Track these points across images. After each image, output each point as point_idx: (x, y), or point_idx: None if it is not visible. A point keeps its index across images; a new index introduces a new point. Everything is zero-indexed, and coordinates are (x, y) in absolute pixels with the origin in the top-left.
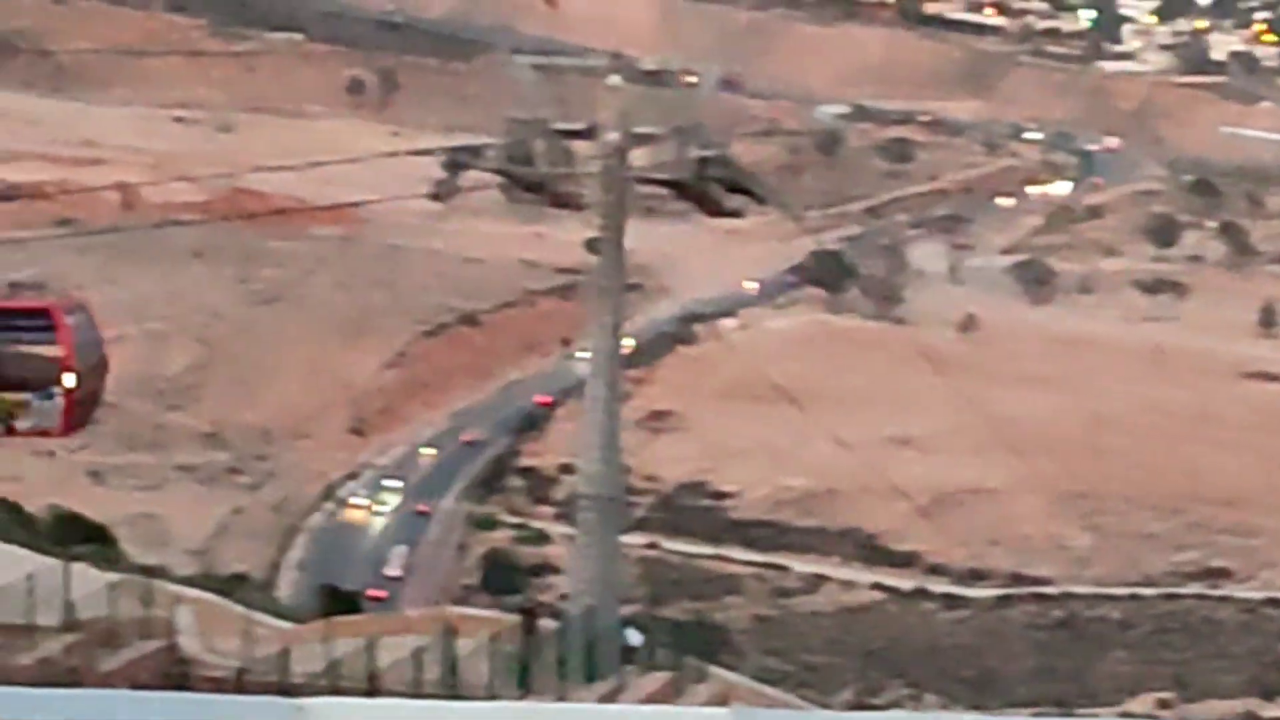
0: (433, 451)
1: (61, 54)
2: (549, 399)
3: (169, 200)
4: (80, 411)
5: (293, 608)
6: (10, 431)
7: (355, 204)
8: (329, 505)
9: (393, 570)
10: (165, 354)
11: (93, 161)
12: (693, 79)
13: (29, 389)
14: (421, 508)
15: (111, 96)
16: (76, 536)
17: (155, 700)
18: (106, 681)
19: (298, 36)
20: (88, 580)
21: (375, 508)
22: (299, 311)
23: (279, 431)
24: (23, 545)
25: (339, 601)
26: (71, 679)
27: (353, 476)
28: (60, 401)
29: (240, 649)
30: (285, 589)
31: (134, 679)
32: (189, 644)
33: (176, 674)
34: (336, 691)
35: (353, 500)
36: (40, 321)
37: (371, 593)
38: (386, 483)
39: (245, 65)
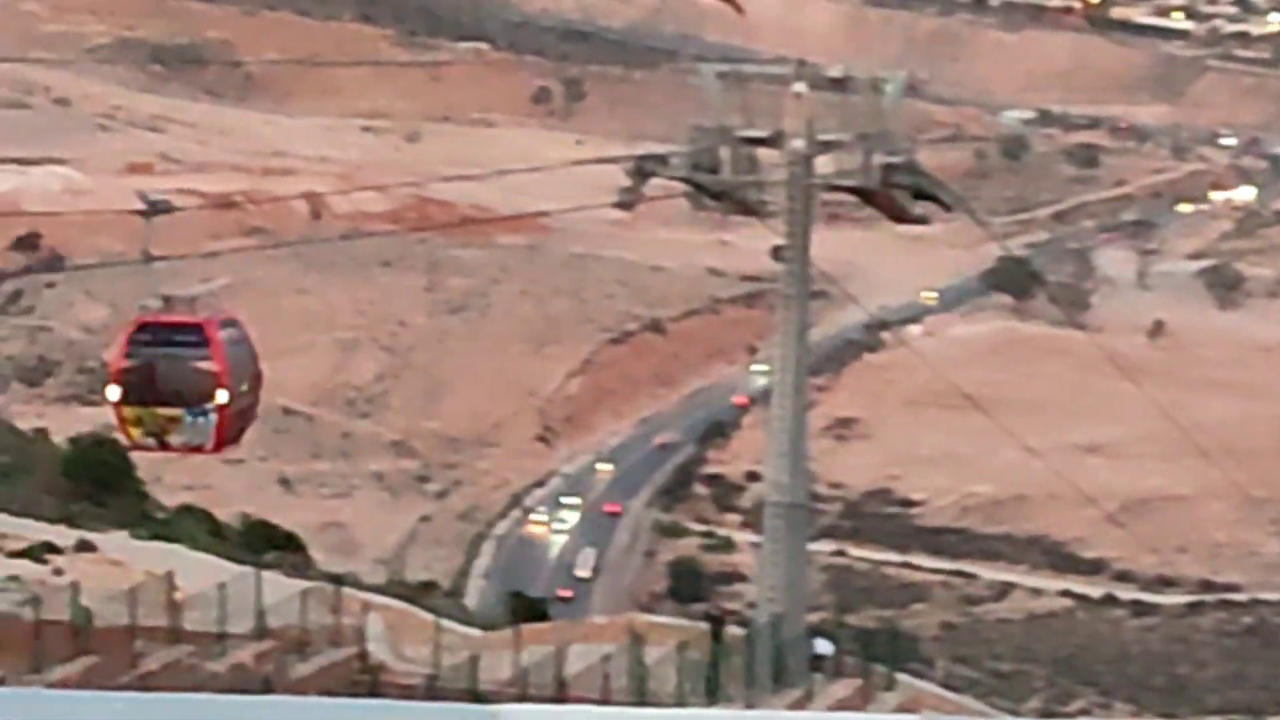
0: (609, 467)
1: (251, 65)
2: (745, 399)
3: (357, 210)
4: (233, 428)
5: (481, 615)
6: (164, 447)
7: (541, 213)
8: (516, 513)
9: (582, 571)
10: (354, 363)
11: (282, 171)
12: (878, 85)
13: (183, 405)
14: (612, 508)
15: (300, 107)
16: (267, 545)
17: (347, 707)
18: (297, 689)
19: (484, 46)
20: (278, 588)
21: (555, 525)
22: (485, 320)
23: (466, 440)
24: (215, 554)
25: (527, 608)
26: (263, 686)
27: (539, 484)
28: (213, 418)
29: (430, 656)
30: (473, 596)
31: (324, 686)
32: (379, 651)
33: (366, 681)
34: (525, 699)
35: (534, 516)
36: (194, 336)
37: (559, 592)
38: (566, 500)
39: (432, 75)
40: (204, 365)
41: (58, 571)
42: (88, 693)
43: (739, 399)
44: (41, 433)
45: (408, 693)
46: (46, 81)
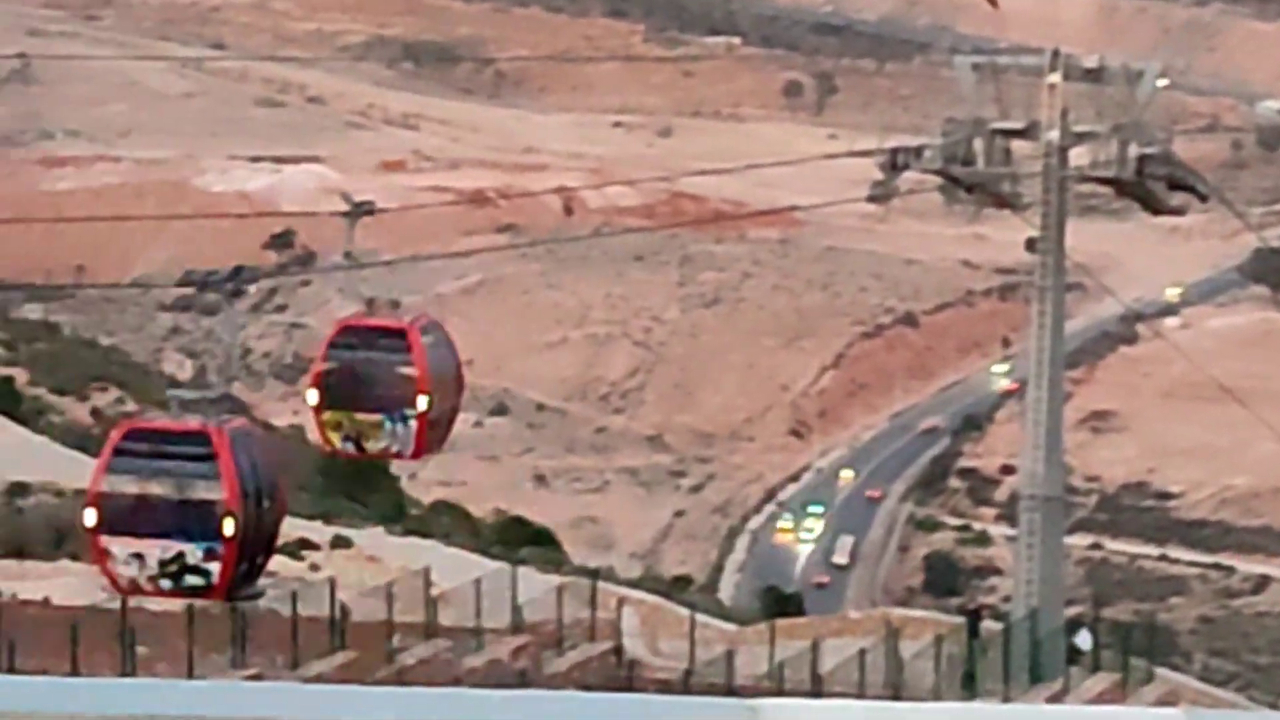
0: (850, 474)
1: (502, 61)
2: (1017, 385)
3: (610, 205)
4: (433, 434)
5: (735, 609)
6: (362, 453)
7: (793, 207)
8: (770, 507)
9: (839, 558)
10: (607, 358)
11: (534, 168)
12: (1133, 76)
13: (383, 410)
14: (873, 493)
15: (551, 103)
16: (522, 540)
17: (603, 702)
18: (553, 683)
19: (735, 40)
20: (533, 583)
21: (802, 534)
22: (738, 314)
23: (719, 434)
24: (470, 549)
25: (781, 603)
26: (519, 681)
27: (793, 479)
28: (414, 424)
29: (685, 651)
30: (727, 591)
31: (580, 681)
32: (634, 646)
33: (622, 676)
34: (780, 693)
35: (780, 524)
36: (396, 341)
37: (816, 579)
38: (812, 508)
39: (683, 70)
40: (405, 370)
41: (314, 567)
42: (345, 688)
43: (1011, 385)
44: (297, 430)
45: (664, 688)
46: (300, 80)
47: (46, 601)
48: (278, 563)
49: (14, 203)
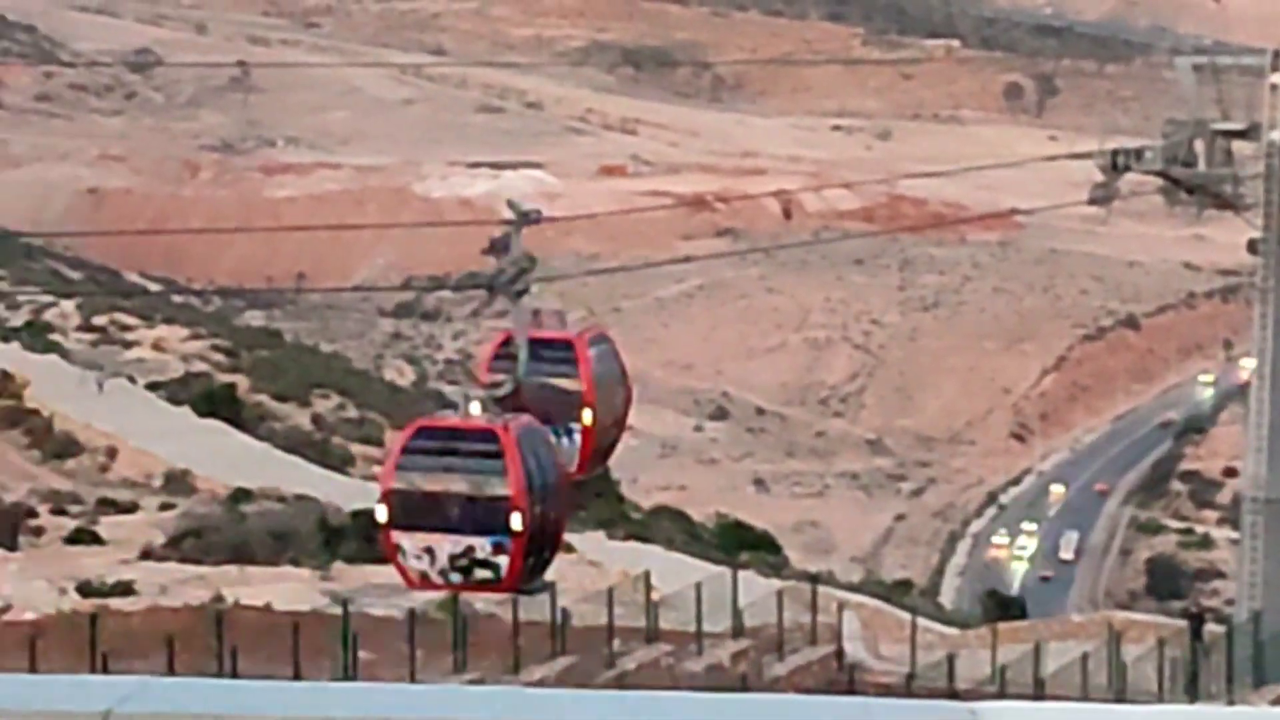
0: (1061, 489)
1: (720, 65)
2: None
3: (829, 208)
4: (598, 450)
5: (957, 613)
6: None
7: (1014, 211)
8: (991, 510)
9: (1065, 554)
10: (826, 362)
11: (752, 172)
12: None
13: (548, 424)
14: (1101, 487)
15: (769, 106)
16: (742, 544)
17: (823, 705)
18: (773, 688)
19: (954, 43)
20: (754, 587)
21: (1016, 550)
22: (958, 317)
23: (940, 438)
24: (690, 553)
25: (1003, 606)
26: (740, 686)
27: (1014, 482)
28: (578, 439)
29: (906, 655)
30: (948, 594)
31: (800, 685)
32: (855, 650)
33: (843, 680)
34: (1002, 696)
35: (994, 540)
36: (562, 353)
37: (1041, 574)
38: (1026, 525)
39: (902, 73)
40: (571, 383)
41: None
42: (566, 692)
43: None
44: None
45: (886, 691)
46: (519, 86)
47: (268, 607)
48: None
49: (235, 210)
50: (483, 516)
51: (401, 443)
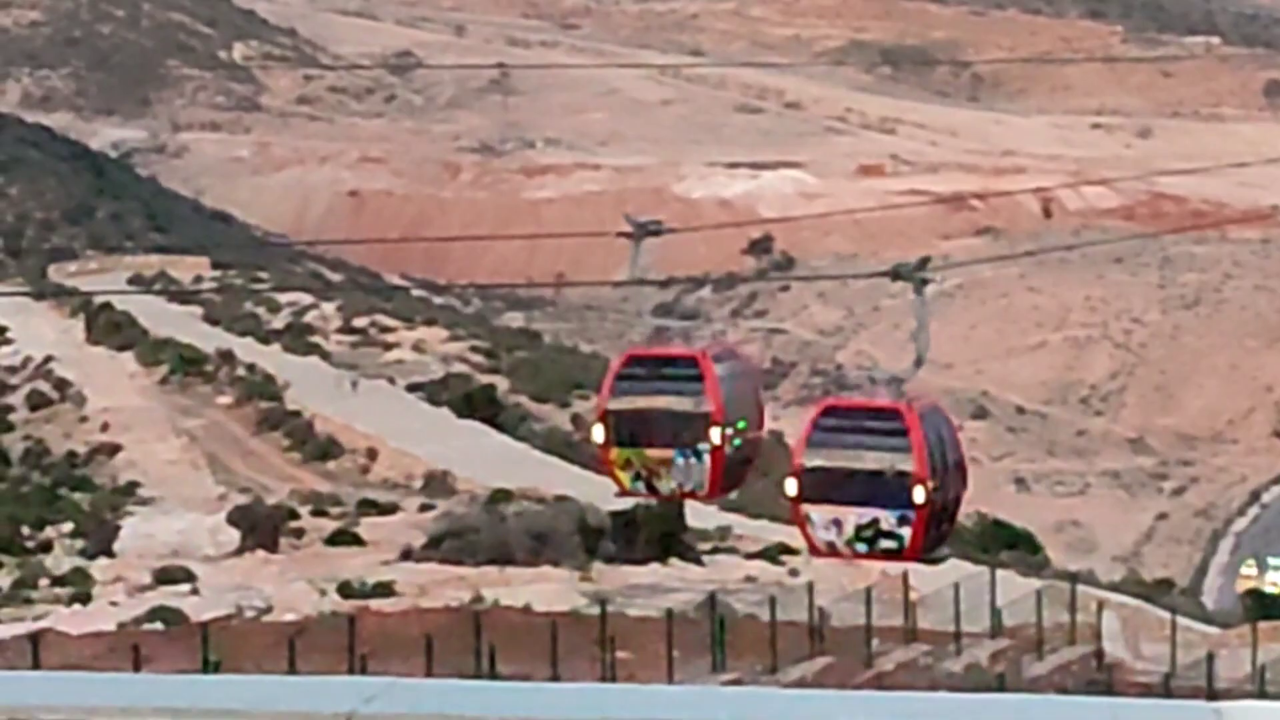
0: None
1: (979, 64)
2: None
3: (1089, 207)
4: (731, 471)
5: (1219, 612)
6: (653, 493)
7: (1276, 208)
8: (1254, 510)
9: None
10: (1087, 360)
11: (1011, 170)
12: None
13: (673, 445)
14: None
15: (1028, 105)
16: (1002, 543)
17: (1076, 705)
18: (1033, 687)
19: (1214, 40)
20: (1012, 587)
21: (1267, 587)
22: (1219, 315)
23: (1202, 436)
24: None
25: (1266, 606)
26: (998, 685)
27: (1277, 481)
28: (707, 460)
29: (1167, 654)
30: (1210, 594)
31: (1059, 684)
32: (1115, 649)
33: (1102, 680)
34: (1262, 696)
35: (1243, 570)
36: (687, 370)
37: None
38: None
39: (1162, 70)
40: (699, 403)
41: (794, 572)
42: (825, 692)
43: None
44: (776, 435)
45: (1145, 691)
46: (778, 86)
47: (527, 608)
48: (756, 568)
49: (496, 212)
50: (888, 490)
51: (811, 421)
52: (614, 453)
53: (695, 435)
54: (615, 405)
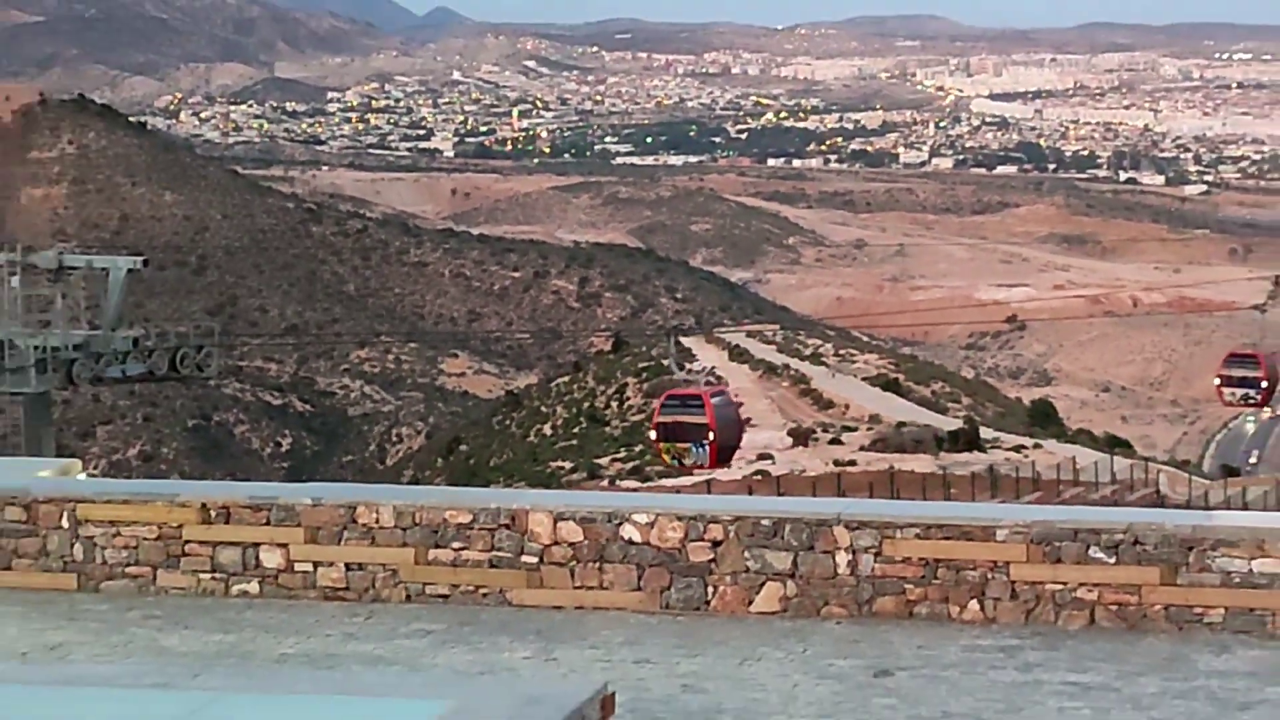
0: None
1: None
2: None
3: None
4: (721, 456)
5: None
6: (682, 466)
7: None
8: None
9: None
10: None
11: None
12: None
13: (690, 441)
14: None
15: None
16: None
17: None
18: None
19: None
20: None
21: None
22: None
23: None
24: None
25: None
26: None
27: None
28: (707, 449)
29: (1187, 494)
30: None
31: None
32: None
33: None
34: None
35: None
36: (696, 402)
37: None
38: None
39: None
40: (701, 419)
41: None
42: None
43: None
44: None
45: (1180, 507)
46: None
47: None
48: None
49: None
50: (698, 434)
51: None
52: (662, 445)
53: (701, 436)
54: (662, 419)
